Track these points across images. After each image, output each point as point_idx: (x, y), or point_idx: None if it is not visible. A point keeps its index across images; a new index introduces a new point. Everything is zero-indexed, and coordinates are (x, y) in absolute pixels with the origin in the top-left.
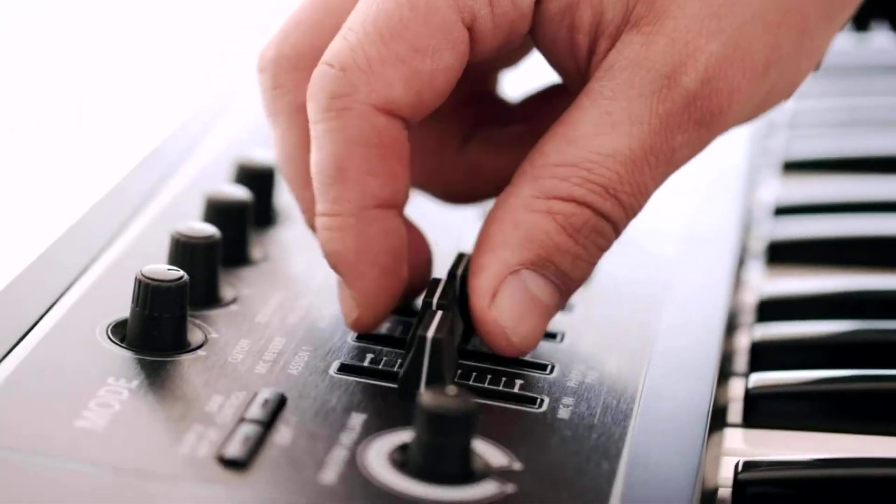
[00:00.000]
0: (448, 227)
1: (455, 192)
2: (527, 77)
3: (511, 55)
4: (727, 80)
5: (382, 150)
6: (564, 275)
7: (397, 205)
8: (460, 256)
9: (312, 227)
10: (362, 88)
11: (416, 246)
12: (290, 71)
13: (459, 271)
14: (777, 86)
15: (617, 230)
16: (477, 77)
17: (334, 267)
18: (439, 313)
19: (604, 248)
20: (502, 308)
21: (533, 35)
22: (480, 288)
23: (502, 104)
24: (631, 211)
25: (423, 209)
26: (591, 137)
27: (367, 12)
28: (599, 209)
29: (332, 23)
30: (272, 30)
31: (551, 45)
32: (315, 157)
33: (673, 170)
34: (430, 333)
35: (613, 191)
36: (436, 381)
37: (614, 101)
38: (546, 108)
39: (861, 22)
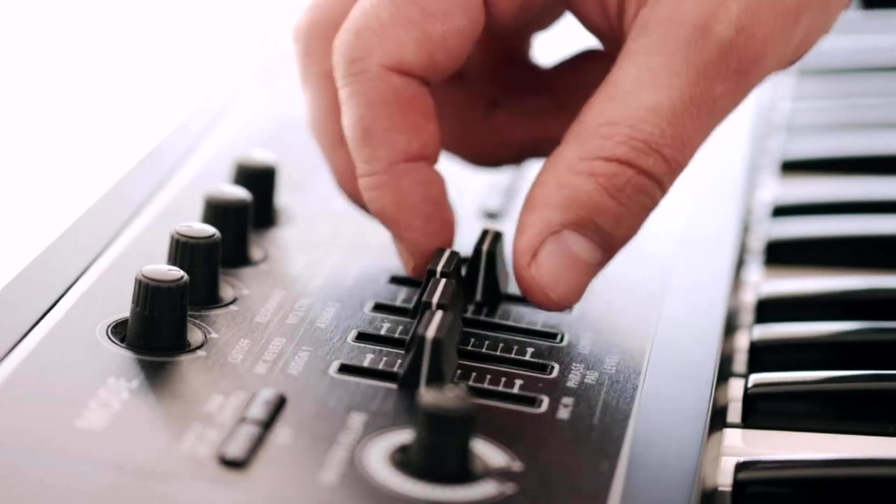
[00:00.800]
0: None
1: (479, 156)
2: (561, 41)
3: (542, 19)
4: (760, 25)
5: (403, 108)
6: (607, 234)
7: (428, 157)
8: (485, 232)
9: (343, 188)
10: (375, 51)
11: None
12: (320, 39)
13: (485, 247)
14: (811, 29)
15: (662, 187)
16: (507, 41)
17: (383, 223)
18: (439, 313)
19: (649, 207)
20: (542, 267)
21: None
22: (522, 247)
23: (533, 70)
24: (676, 165)
25: None
26: (632, 93)
27: None
28: (642, 166)
29: None
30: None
31: (583, 7)
32: (345, 121)
33: (716, 121)
34: (431, 334)
35: (657, 145)
36: (436, 380)
37: (652, 57)
38: (578, 75)
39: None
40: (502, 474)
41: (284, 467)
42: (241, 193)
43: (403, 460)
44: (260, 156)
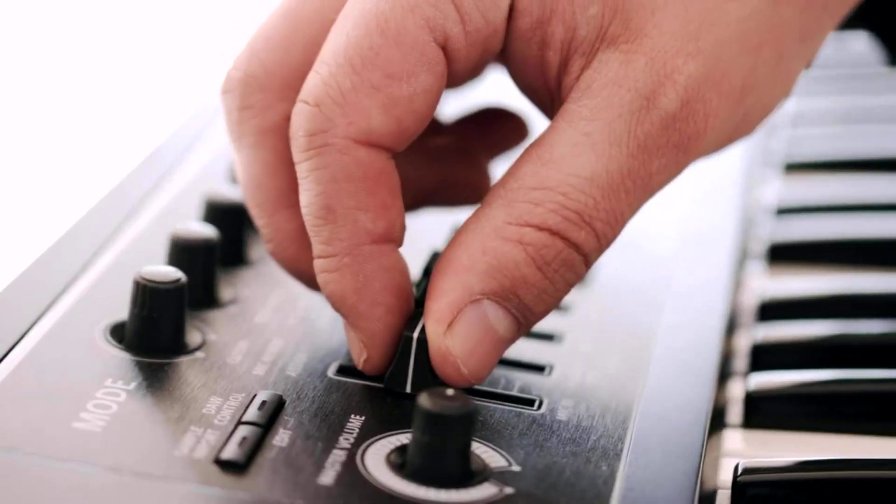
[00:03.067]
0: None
1: None
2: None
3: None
4: (704, 102)
5: (369, 184)
6: (527, 308)
7: (394, 239)
8: (435, 255)
9: (280, 257)
10: (339, 122)
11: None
12: (259, 91)
13: (415, 335)
14: (751, 112)
15: (588, 263)
16: None
17: (337, 309)
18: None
19: (571, 284)
20: (457, 337)
21: (502, 54)
22: (439, 313)
23: (434, 118)
24: (605, 240)
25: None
26: (569, 159)
27: (337, 43)
28: (573, 239)
29: (301, 38)
30: (237, 49)
31: (521, 64)
32: (303, 199)
33: (648, 196)
34: (416, 334)
35: (589, 218)
36: (421, 380)
37: (593, 122)
38: (482, 125)
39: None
40: (501, 476)
41: (283, 469)
42: (239, 195)
43: (402, 462)
44: None
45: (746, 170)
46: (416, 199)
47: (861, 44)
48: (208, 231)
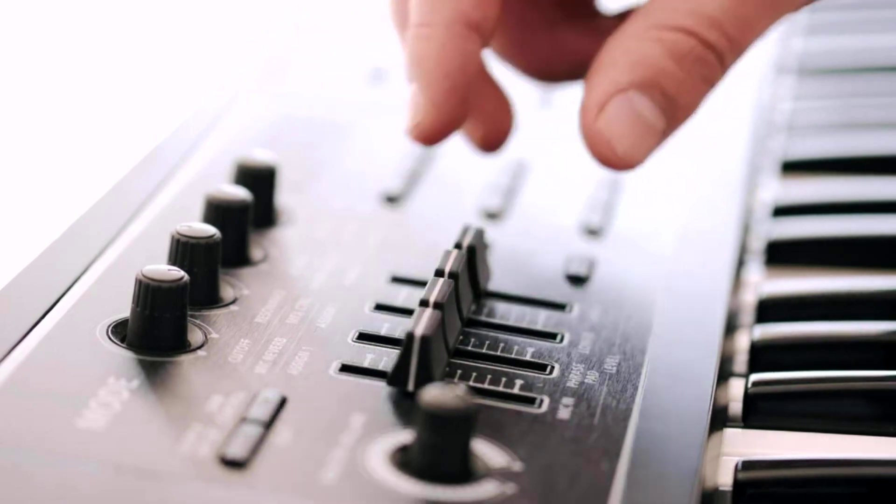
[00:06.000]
0: (448, 227)
1: (536, 68)
2: None
3: None
4: None
5: None
6: (671, 99)
7: (483, 32)
8: (466, 229)
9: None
10: None
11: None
12: None
13: (466, 242)
14: None
15: (723, 63)
16: None
17: (413, 71)
18: (429, 311)
19: (709, 80)
20: (608, 120)
21: None
22: (589, 103)
23: (597, 12)
24: (736, 44)
25: (423, 210)
26: None
27: None
28: (704, 37)
29: None
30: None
31: None
32: None
33: (779, 13)
34: (419, 331)
35: (718, 22)
36: (424, 377)
37: None
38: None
39: None
40: (502, 474)
41: (285, 467)
42: (241, 193)
43: (404, 460)
44: (260, 156)
45: (746, 170)
46: (577, 69)
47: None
48: (210, 229)
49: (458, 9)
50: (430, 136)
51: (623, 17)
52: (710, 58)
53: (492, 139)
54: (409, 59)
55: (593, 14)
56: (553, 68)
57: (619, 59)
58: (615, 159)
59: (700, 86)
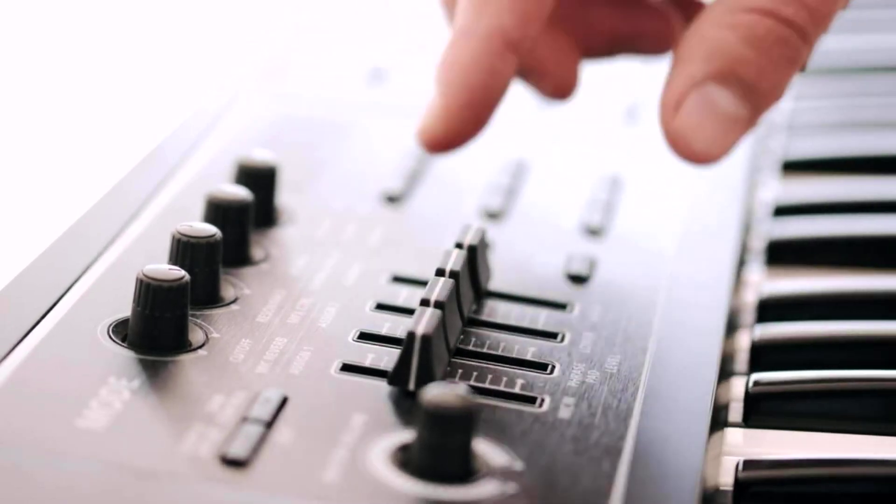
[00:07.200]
0: (448, 227)
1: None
2: None
3: None
4: None
5: None
6: (751, 86)
7: (520, 51)
8: (467, 228)
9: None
10: None
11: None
12: None
13: (467, 241)
14: None
15: (806, 39)
16: None
17: (440, 74)
18: (430, 310)
19: (793, 59)
20: (684, 118)
21: None
22: (666, 100)
23: None
24: (819, 16)
25: (424, 210)
26: None
27: None
28: (783, 15)
29: None
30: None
31: None
32: None
33: None
34: (420, 331)
35: None
36: (425, 376)
37: None
38: None
39: None
40: (503, 474)
41: (286, 467)
42: (241, 193)
43: (405, 460)
44: (260, 156)
45: (747, 170)
46: (612, 45)
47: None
48: (210, 229)
49: (499, 24)
50: (437, 145)
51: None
52: (792, 36)
53: (561, 89)
54: (439, 61)
55: None
56: (587, 46)
57: (694, 50)
58: (695, 156)
59: (784, 68)
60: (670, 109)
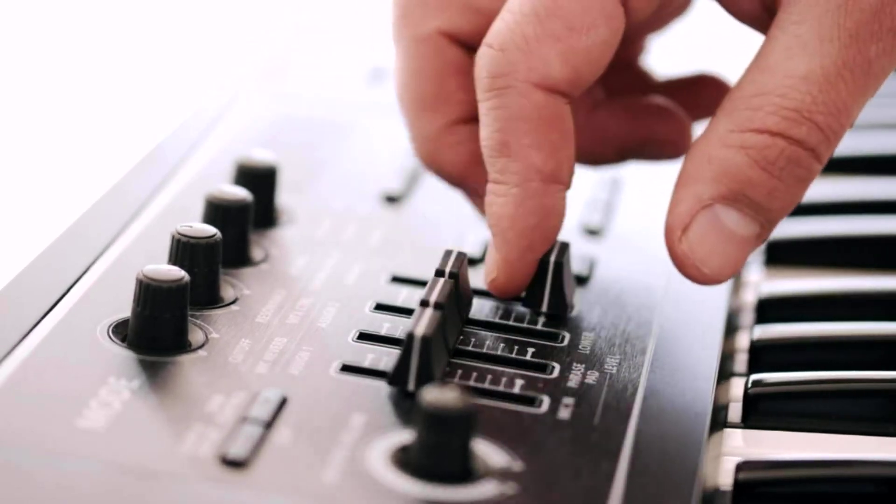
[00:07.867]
0: (448, 227)
1: (579, 154)
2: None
3: (659, 19)
4: None
5: (544, 125)
6: (761, 207)
7: (562, 181)
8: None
9: (419, 152)
10: (521, 67)
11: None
12: (418, 6)
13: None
14: None
15: (818, 156)
16: (622, 44)
17: (491, 229)
18: (430, 311)
19: (805, 179)
20: (693, 241)
21: None
22: (672, 222)
23: (642, 73)
24: (831, 133)
25: (423, 210)
26: (783, 62)
27: None
28: (795, 136)
29: None
30: None
31: None
32: (483, 133)
33: (873, 84)
34: (420, 331)
35: (808, 113)
36: (425, 377)
37: (802, 24)
38: (686, 92)
39: None
40: (503, 474)
41: (286, 467)
42: (241, 193)
43: (404, 460)
44: (260, 156)
45: None
46: (622, 152)
47: None
48: (210, 229)
49: (529, 164)
50: (507, 291)
51: (678, 85)
52: (804, 155)
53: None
54: (487, 215)
55: (637, 91)
56: (597, 154)
57: (702, 170)
58: (705, 279)
59: (795, 187)
60: (676, 232)
